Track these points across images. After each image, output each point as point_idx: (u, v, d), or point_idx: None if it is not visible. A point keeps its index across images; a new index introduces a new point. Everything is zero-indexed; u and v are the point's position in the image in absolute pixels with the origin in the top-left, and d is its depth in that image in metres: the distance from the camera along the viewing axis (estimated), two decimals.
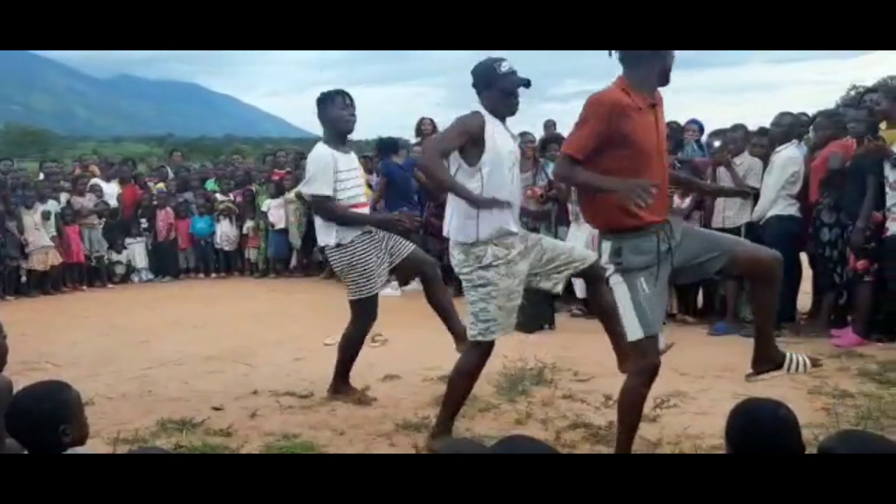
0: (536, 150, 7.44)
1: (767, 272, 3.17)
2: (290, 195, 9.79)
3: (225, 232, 10.45)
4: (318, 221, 4.40)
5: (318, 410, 4.33)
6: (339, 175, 4.21)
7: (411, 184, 8.31)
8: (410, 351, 5.61)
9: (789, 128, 5.82)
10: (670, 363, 4.93)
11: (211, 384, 4.97)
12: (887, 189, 5.23)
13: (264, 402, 4.48)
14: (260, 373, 5.24)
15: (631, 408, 3.15)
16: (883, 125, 5.60)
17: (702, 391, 4.39)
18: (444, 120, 10.76)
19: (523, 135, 7.95)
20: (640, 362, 3.15)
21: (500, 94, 3.44)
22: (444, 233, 3.58)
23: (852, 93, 17.37)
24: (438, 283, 4.48)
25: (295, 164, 10.83)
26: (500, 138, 3.44)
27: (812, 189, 5.72)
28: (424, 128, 8.87)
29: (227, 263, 10.66)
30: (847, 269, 5.53)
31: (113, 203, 10.19)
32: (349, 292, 4.38)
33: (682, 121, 7.37)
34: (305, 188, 4.39)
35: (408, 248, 4.45)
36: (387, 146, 8.64)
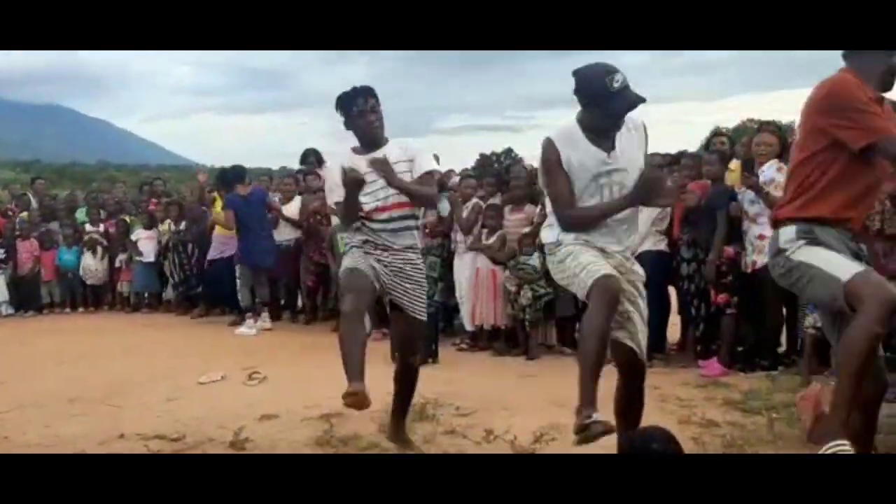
0: None
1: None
2: (164, 227, 9.45)
3: (88, 265, 9.91)
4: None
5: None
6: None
7: (260, 215, 8.14)
8: (289, 388, 5.47)
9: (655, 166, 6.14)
10: (548, 396, 5.06)
11: (74, 428, 4.65)
12: (746, 222, 5.61)
13: (131, 447, 4.23)
14: (128, 415, 4.95)
15: (860, 353, 2.70)
16: (733, 165, 6.05)
17: None
18: (330, 151, 10.69)
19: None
20: (873, 298, 2.68)
21: (603, 115, 3.13)
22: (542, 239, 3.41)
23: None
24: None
25: (170, 194, 10.51)
26: (578, 156, 3.15)
27: (675, 226, 6.05)
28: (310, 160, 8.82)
29: (97, 297, 10.12)
30: (703, 302, 5.85)
31: None
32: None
33: None
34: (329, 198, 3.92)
35: (400, 296, 3.83)
36: (229, 178, 8.34)
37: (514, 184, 7.20)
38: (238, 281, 8.05)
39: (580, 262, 3.10)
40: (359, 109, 3.70)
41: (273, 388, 5.56)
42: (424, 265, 3.88)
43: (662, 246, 6.10)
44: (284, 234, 8.38)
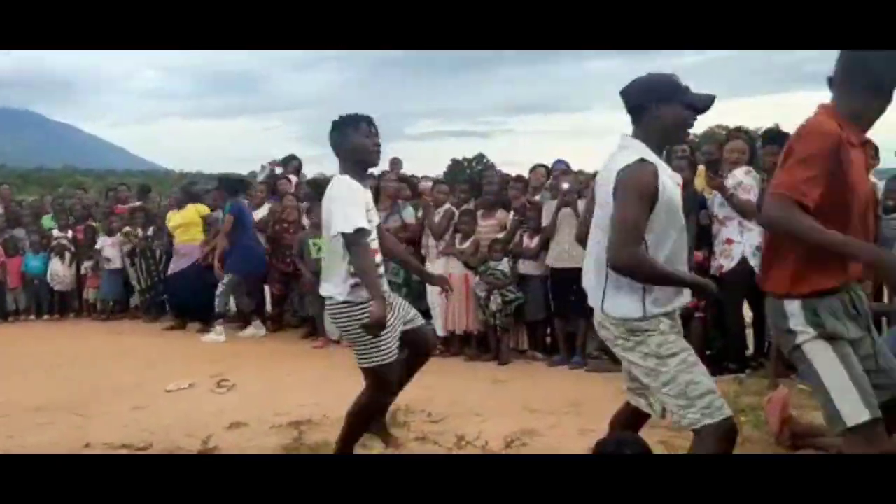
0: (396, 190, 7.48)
1: None
2: (129, 231, 9.32)
3: (56, 271, 9.75)
4: (329, 263, 3.61)
5: None
6: (368, 214, 3.52)
7: (252, 223, 8.12)
8: (259, 396, 5.42)
9: None
10: (520, 401, 5.08)
11: (39, 438, 4.57)
12: (716, 225, 5.67)
13: None
14: (94, 424, 4.87)
15: None
16: (701, 169, 6.13)
17: (550, 428, 4.49)
18: (307, 155, 10.59)
19: (385, 173, 8.05)
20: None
21: (679, 112, 2.72)
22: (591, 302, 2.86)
23: None
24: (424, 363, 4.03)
25: (139, 198, 10.37)
26: (669, 181, 2.70)
27: None
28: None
29: (63, 304, 9.95)
30: None
31: None
32: (360, 358, 3.59)
33: (535, 162, 7.70)
34: (341, 225, 3.41)
35: (418, 318, 3.91)
36: (235, 186, 8.33)
37: (486, 189, 7.24)
38: (220, 287, 7.92)
39: (698, 382, 2.63)
40: (365, 133, 3.56)
41: (242, 395, 5.50)
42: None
43: None
44: None
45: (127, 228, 9.30)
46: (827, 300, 2.58)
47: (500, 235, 6.65)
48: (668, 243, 2.70)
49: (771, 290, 2.69)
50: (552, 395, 5.23)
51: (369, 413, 3.73)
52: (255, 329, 8.07)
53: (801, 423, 3.99)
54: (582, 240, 3.08)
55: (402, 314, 3.77)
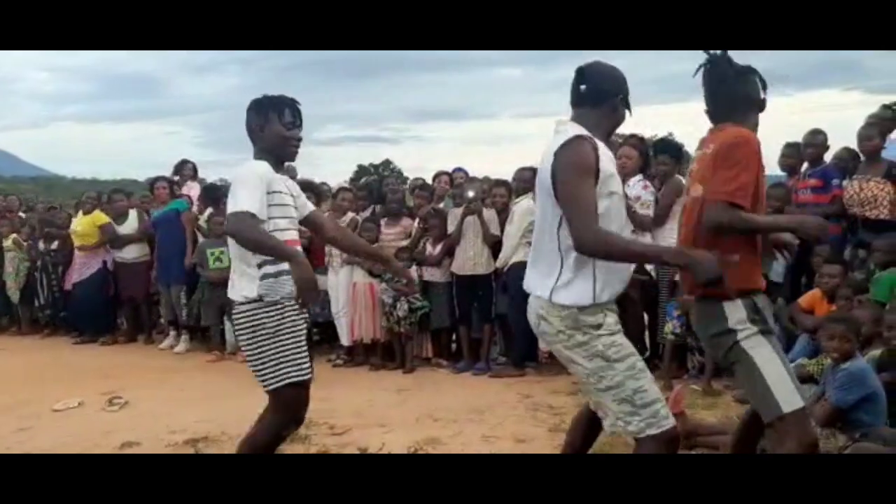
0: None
1: None
2: (8, 242, 8.81)
3: None
4: (235, 265, 3.11)
5: None
6: (274, 196, 3.04)
7: None
8: (153, 413, 5.20)
9: (528, 182, 6.23)
10: (423, 409, 5.06)
11: None
12: None
13: None
14: None
15: None
16: None
17: (454, 436, 4.49)
18: (209, 160, 10.27)
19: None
20: (797, 440, 2.63)
21: (611, 112, 2.71)
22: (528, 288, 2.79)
23: None
24: None
25: (26, 208, 9.86)
26: (604, 155, 2.62)
27: None
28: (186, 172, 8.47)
29: None
30: None
31: None
32: (260, 376, 3.05)
33: (439, 169, 7.69)
34: (229, 204, 2.99)
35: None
36: (217, 195, 7.83)
37: (390, 197, 7.16)
38: (183, 297, 7.64)
39: (646, 390, 2.57)
40: (289, 121, 3.16)
41: (134, 413, 5.27)
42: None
43: None
44: (132, 252, 8.10)
45: (14, 236, 8.79)
46: (760, 296, 2.75)
47: (404, 243, 6.62)
48: (613, 214, 2.62)
49: (705, 294, 2.74)
50: (456, 403, 5.24)
51: (261, 446, 3.10)
52: (184, 343, 7.73)
53: (691, 422, 4.13)
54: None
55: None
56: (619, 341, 2.60)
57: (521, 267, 5.97)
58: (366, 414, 5.04)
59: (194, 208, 8.00)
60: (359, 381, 6.16)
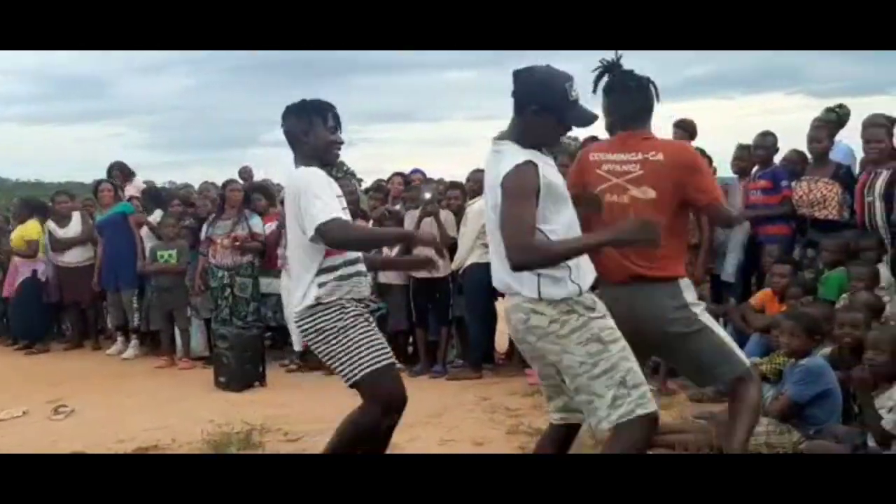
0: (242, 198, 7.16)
1: None
2: None
3: None
4: (296, 274, 3.19)
5: None
6: (340, 201, 3.16)
7: None
8: (101, 421, 5.06)
9: (482, 183, 6.23)
10: None
11: None
12: None
13: None
14: None
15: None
16: None
17: (410, 441, 4.44)
18: (156, 163, 10.05)
19: (231, 181, 7.66)
20: (759, 390, 3.18)
21: (556, 125, 2.65)
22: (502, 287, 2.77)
23: None
24: None
25: None
26: (547, 168, 2.62)
27: None
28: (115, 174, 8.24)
29: None
30: None
31: None
32: (341, 374, 3.13)
33: (394, 170, 7.64)
34: (316, 216, 3.00)
35: None
36: (163, 198, 7.82)
37: (347, 199, 7.07)
38: (118, 302, 7.47)
39: (636, 371, 2.59)
40: (332, 125, 3.22)
41: (81, 421, 5.12)
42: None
43: (488, 258, 6.19)
44: (76, 255, 7.85)
45: None
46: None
47: None
48: (568, 223, 2.64)
49: (662, 275, 2.96)
50: (413, 407, 5.10)
51: (361, 436, 3.19)
52: (133, 348, 7.53)
53: None
54: None
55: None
56: (610, 324, 2.62)
57: (476, 268, 6.01)
58: (320, 419, 4.93)
59: None
60: (313, 386, 6.07)
